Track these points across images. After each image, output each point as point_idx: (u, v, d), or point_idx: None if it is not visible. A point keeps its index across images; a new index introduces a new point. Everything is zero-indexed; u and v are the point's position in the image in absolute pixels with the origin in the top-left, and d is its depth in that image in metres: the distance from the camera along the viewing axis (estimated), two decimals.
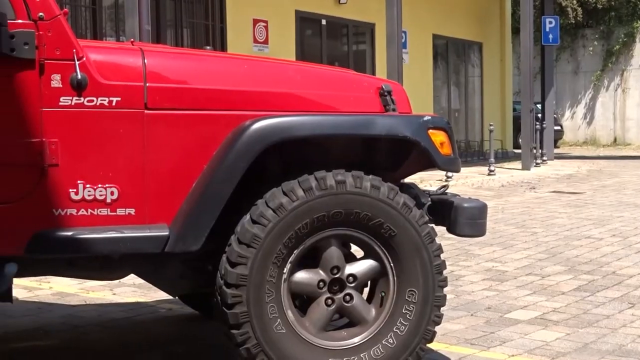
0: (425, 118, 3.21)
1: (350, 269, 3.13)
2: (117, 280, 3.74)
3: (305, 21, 13.86)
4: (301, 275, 3.07)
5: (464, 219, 3.25)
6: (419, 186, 3.49)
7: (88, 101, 2.85)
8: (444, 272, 3.21)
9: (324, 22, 14.19)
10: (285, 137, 2.99)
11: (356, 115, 3.19)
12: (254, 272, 2.92)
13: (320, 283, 3.08)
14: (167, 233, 2.92)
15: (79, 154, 2.87)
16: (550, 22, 17.82)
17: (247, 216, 2.95)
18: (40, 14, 2.80)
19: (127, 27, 6.63)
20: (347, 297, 3.11)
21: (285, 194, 2.96)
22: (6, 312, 4.49)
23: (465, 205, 3.27)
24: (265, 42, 12.62)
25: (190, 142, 3.00)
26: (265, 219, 2.92)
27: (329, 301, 3.09)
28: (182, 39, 11.25)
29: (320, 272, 3.09)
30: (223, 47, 11.69)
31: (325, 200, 2.99)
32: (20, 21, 2.77)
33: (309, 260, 3.09)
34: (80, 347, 3.87)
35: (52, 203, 2.83)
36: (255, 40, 12.45)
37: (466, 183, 12.46)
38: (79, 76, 2.82)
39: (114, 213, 2.92)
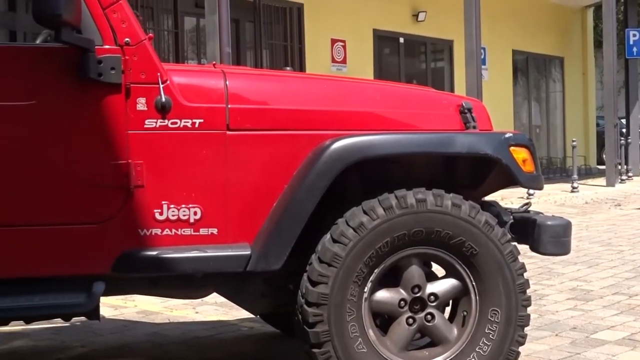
0: (507, 135, 3.17)
1: (432, 287, 3.10)
2: (200, 299, 3.79)
3: (383, 40, 13.88)
4: (382, 294, 3.06)
5: (548, 237, 3.19)
6: (500, 204, 3.45)
7: (172, 123, 2.92)
8: (527, 291, 3.15)
9: (401, 40, 14.19)
10: (365, 156, 2.99)
11: (436, 133, 3.17)
12: (335, 291, 2.93)
13: (402, 302, 3.06)
14: (249, 252, 2.95)
15: (163, 175, 2.93)
16: (634, 35, 17.40)
17: (328, 235, 2.96)
18: (127, 39, 2.88)
19: (209, 50, 6.76)
20: (429, 317, 3.09)
21: (365, 212, 2.96)
22: (94, 330, 4.60)
23: (549, 223, 3.21)
24: (344, 61, 12.68)
25: (271, 162, 3.03)
26: (346, 237, 2.93)
27: (410, 320, 3.07)
28: (261, 60, 11.40)
29: (402, 291, 3.07)
30: (301, 67, 11.80)
31: (406, 219, 2.98)
32: (107, 46, 2.85)
33: (390, 279, 3.08)
34: None
35: (137, 223, 2.90)
36: (334, 60, 12.52)
37: (549, 200, 12.23)
38: (163, 99, 2.89)
39: (197, 233, 2.96)
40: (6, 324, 3.10)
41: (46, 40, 3.39)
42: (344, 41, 12.71)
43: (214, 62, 3.87)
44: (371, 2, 13.01)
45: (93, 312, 2.96)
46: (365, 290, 3.00)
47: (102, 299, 2.96)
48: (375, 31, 13.42)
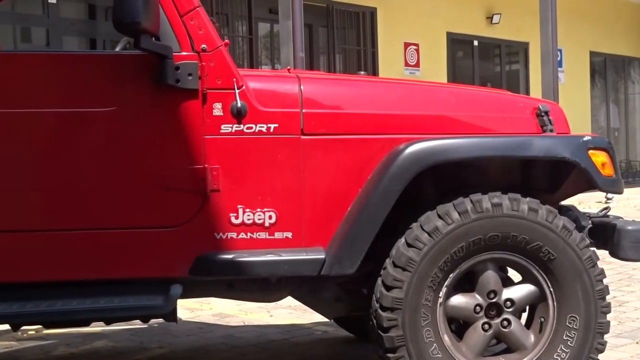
0: (585, 138, 3.11)
1: (508, 293, 3.06)
2: (274, 302, 3.81)
3: (456, 43, 13.76)
4: (457, 300, 3.03)
5: (628, 242, 3.12)
6: (578, 209, 3.38)
7: (247, 128, 2.95)
8: (607, 297, 3.08)
9: (475, 43, 14.04)
10: (440, 159, 2.97)
11: (513, 137, 3.13)
12: (410, 295, 2.91)
13: (477, 307, 3.03)
14: (323, 256, 2.96)
15: (239, 180, 2.96)
16: None
17: (402, 239, 2.94)
18: (203, 45, 2.92)
19: (282, 55, 6.80)
20: (505, 322, 3.04)
21: (440, 217, 2.93)
22: (171, 332, 4.67)
23: (629, 227, 3.13)
24: (417, 65, 12.62)
25: (345, 166, 3.03)
26: (421, 242, 2.91)
27: (486, 326, 3.03)
28: (334, 64, 11.42)
29: (477, 296, 3.04)
30: (374, 72, 11.77)
31: (482, 223, 2.94)
32: (184, 53, 2.90)
33: (465, 284, 3.05)
34: None
35: (214, 227, 2.93)
36: (407, 64, 12.47)
37: (628, 205, 11.92)
38: (239, 104, 2.92)
39: (272, 237, 2.98)
40: (87, 324, 3.17)
41: (125, 48, 3.46)
42: (417, 45, 12.64)
43: (289, 67, 3.90)
44: (445, 5, 12.92)
45: (170, 314, 3.01)
46: (440, 295, 2.97)
47: (179, 302, 3.00)
48: (448, 34, 13.32)
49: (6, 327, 3.40)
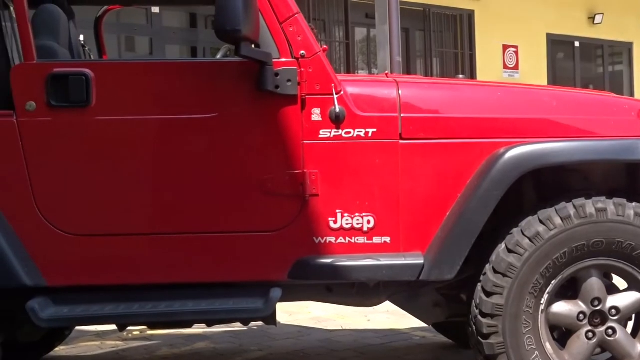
0: None
1: (613, 301, 2.97)
2: (372, 307, 3.81)
3: (556, 44, 13.47)
4: (560, 307, 2.96)
5: None
6: None
7: (346, 133, 2.96)
8: None
9: (577, 44, 13.71)
10: (542, 164, 2.92)
11: (617, 140, 3.04)
12: (510, 302, 2.86)
13: (581, 315, 2.95)
14: (422, 261, 2.94)
15: (337, 184, 2.97)
16: None
17: (503, 245, 2.90)
18: (302, 52, 2.95)
19: (379, 60, 6.79)
20: (610, 331, 2.96)
21: (542, 222, 2.88)
22: (270, 335, 4.72)
23: None
24: (516, 67, 12.41)
25: (444, 171, 3.00)
26: (522, 248, 2.86)
27: (590, 334, 2.96)
28: (431, 68, 11.35)
29: (580, 303, 2.96)
30: (472, 75, 11.64)
31: (585, 229, 2.87)
32: (284, 60, 2.93)
33: (568, 291, 2.98)
34: None
35: (312, 231, 2.95)
36: (505, 66, 12.28)
37: None
38: (338, 109, 2.94)
39: (370, 241, 2.98)
40: (189, 326, 3.24)
41: (226, 55, 3.52)
42: (516, 47, 12.43)
43: (387, 72, 3.89)
44: (545, 6, 12.66)
45: (270, 318, 3.04)
46: (542, 302, 2.92)
47: (278, 305, 3.02)
48: (549, 35, 13.04)
49: (113, 327, 3.51)
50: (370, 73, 10.57)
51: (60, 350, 4.45)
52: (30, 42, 2.91)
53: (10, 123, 2.89)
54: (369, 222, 2.97)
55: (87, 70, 2.91)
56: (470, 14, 11.68)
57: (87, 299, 2.94)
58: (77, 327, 4.52)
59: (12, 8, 3.09)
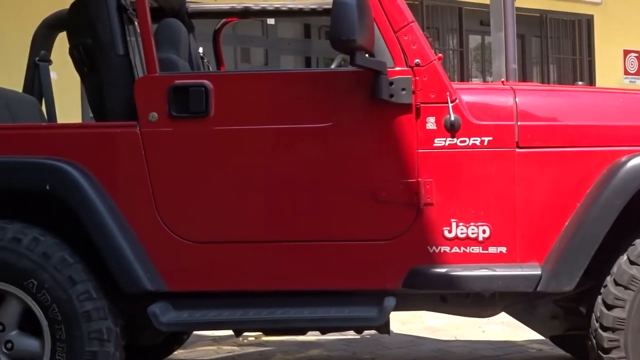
0: None
1: None
2: (487, 318, 3.76)
3: None
4: None
5: None
6: None
7: (461, 142, 2.93)
8: None
9: None
10: None
11: None
12: (633, 315, 2.77)
13: None
14: (539, 272, 2.88)
15: (452, 193, 2.94)
16: None
17: (625, 256, 2.81)
18: (417, 60, 2.94)
19: (494, 67, 6.69)
20: None
21: None
22: (382, 343, 4.71)
23: None
24: (637, 73, 11.98)
25: (563, 180, 2.94)
26: None
27: None
28: (548, 75, 11.11)
29: None
30: (591, 81, 11.33)
31: None
32: (398, 68, 2.93)
33: None
34: None
35: (427, 240, 2.93)
36: (626, 72, 11.88)
37: None
38: (453, 118, 2.92)
39: (486, 251, 2.94)
40: (303, 333, 3.27)
41: (340, 65, 3.55)
42: (638, 52, 12.01)
43: (502, 80, 3.84)
44: None
45: (384, 326, 3.05)
46: None
47: (391, 314, 3.02)
48: None
49: (229, 332, 3.58)
50: (484, 81, 10.43)
51: (178, 353, 4.57)
52: (153, 55, 3.02)
53: (134, 134, 3.00)
54: (484, 231, 2.93)
55: (206, 82, 2.99)
56: (589, 19, 11.37)
57: (205, 305, 3.00)
58: (195, 332, 4.63)
59: (136, 23, 3.20)
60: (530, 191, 2.94)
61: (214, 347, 4.74)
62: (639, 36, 11.97)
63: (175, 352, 4.53)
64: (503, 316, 3.49)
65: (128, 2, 3.16)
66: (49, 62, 4.14)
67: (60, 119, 4.11)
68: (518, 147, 2.94)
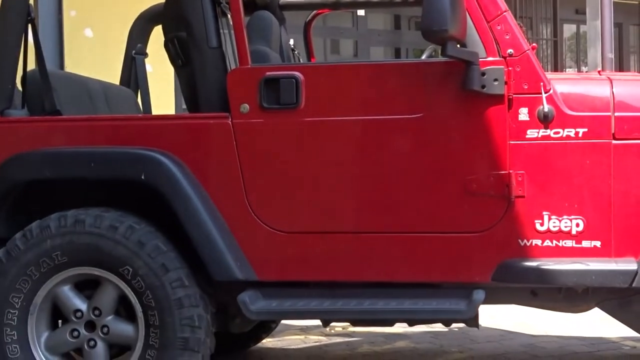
0: None
1: None
2: (580, 313, 3.69)
3: None
4: None
5: None
6: None
7: (554, 133, 2.88)
8: None
9: None
10: None
11: None
12: None
13: None
14: (635, 267, 2.81)
15: (544, 186, 2.90)
16: None
17: None
18: (510, 50, 2.90)
19: (590, 57, 6.53)
20: None
21: None
22: (471, 337, 4.67)
23: None
24: None
25: None
26: None
27: None
28: None
29: None
30: None
31: None
32: (490, 59, 2.90)
33: None
34: None
35: (517, 233, 2.90)
36: None
37: None
38: (546, 109, 2.87)
39: (579, 245, 2.89)
40: (391, 325, 3.27)
41: (431, 56, 3.53)
42: None
43: (599, 69, 3.75)
44: None
45: (472, 320, 3.02)
46: None
47: (480, 307, 3.00)
48: None
49: (317, 322, 3.61)
50: (579, 71, 10.19)
51: (266, 342, 4.63)
52: (245, 47, 3.06)
53: (226, 125, 3.05)
54: (577, 225, 2.88)
55: (297, 73, 3.02)
56: None
57: (294, 294, 3.03)
58: (283, 321, 4.68)
59: (229, 15, 3.25)
60: (627, 184, 2.88)
61: (302, 337, 4.79)
62: None
63: (264, 341, 4.59)
64: (597, 311, 3.42)
65: None
66: (145, 55, 4.25)
67: (155, 111, 4.20)
68: (614, 138, 2.87)
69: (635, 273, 2.81)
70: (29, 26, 3.38)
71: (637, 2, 10.52)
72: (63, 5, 4.70)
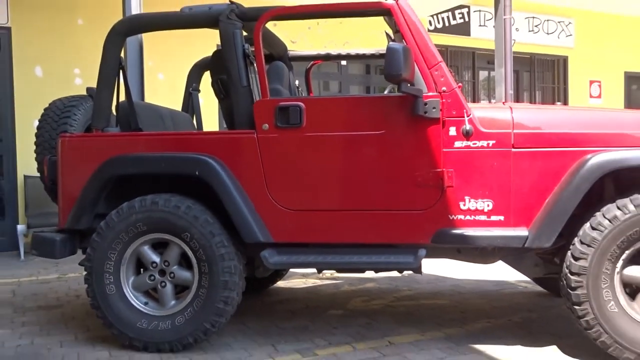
0: None
1: None
2: (490, 264, 3.70)
3: (632, 79, 12.33)
4: (631, 270, 2.73)
5: None
6: None
7: (473, 144, 2.88)
8: None
9: None
10: (619, 166, 2.71)
11: None
12: (593, 265, 2.69)
13: None
14: (526, 234, 2.82)
15: (466, 179, 2.90)
16: None
17: (588, 224, 2.72)
18: (444, 88, 2.90)
19: (497, 93, 6.53)
20: None
21: (619, 208, 2.67)
22: (416, 280, 4.69)
23: None
24: (599, 96, 11.51)
25: (545, 171, 2.85)
26: (603, 226, 2.67)
27: None
28: (535, 98, 10.77)
29: None
30: (566, 102, 10.93)
31: None
32: (430, 94, 2.89)
33: (638, 259, 2.75)
34: (462, 306, 3.89)
35: (449, 210, 2.90)
36: (591, 96, 11.42)
37: None
38: (468, 127, 2.86)
39: (489, 219, 2.89)
40: (363, 272, 3.27)
41: (391, 92, 3.52)
42: (599, 81, 11.53)
43: (503, 101, 3.74)
44: (623, 50, 11.65)
45: (417, 269, 3.02)
46: (617, 266, 2.71)
47: (422, 260, 2.99)
48: (626, 73, 11.99)
49: (313, 270, 3.61)
50: (490, 102, 10.18)
51: (279, 284, 4.64)
52: (265, 86, 3.05)
53: (252, 138, 3.04)
54: (488, 205, 2.88)
55: (300, 103, 3.01)
56: (565, 59, 10.95)
57: (299, 252, 3.03)
58: (291, 270, 4.70)
59: (254, 65, 3.24)
60: (521, 178, 2.87)
61: (303, 280, 4.80)
62: (601, 70, 11.49)
63: (278, 283, 4.61)
64: (500, 264, 3.43)
65: (249, 51, 3.20)
66: (199, 91, 4.24)
67: (205, 129, 4.20)
68: (513, 147, 2.87)
69: (526, 237, 2.81)
70: (121, 71, 3.37)
71: (528, 56, 10.50)
72: (144, 57, 4.68)
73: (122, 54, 3.60)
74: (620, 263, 2.71)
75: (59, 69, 6.76)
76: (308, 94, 4.22)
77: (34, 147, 3.67)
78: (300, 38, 7.83)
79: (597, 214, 2.72)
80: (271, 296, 4.26)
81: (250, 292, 4.23)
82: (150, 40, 5.08)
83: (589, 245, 2.69)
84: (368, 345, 3.13)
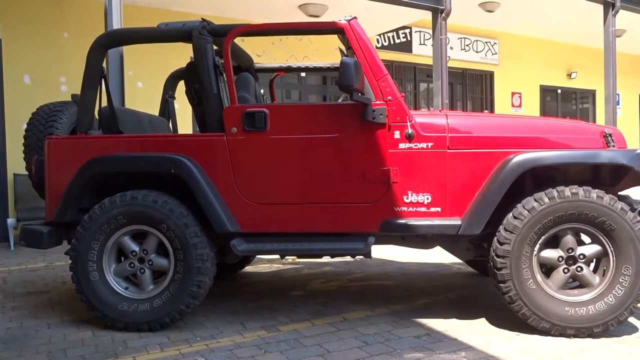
0: (637, 151, 2.78)
1: (581, 250, 2.81)
2: (430, 249, 3.74)
3: (546, 91, 12.74)
4: (547, 252, 2.82)
5: None
6: (631, 197, 3.03)
7: (414, 146, 2.91)
8: None
9: (559, 91, 12.92)
10: (537, 165, 2.78)
11: (587, 150, 2.86)
12: (515, 249, 2.75)
13: (559, 258, 2.80)
14: (459, 223, 2.86)
15: (409, 176, 2.92)
16: None
17: (511, 214, 2.78)
18: (389, 97, 2.91)
19: (434, 102, 6.65)
20: (579, 268, 2.80)
21: (536, 200, 2.75)
22: (367, 264, 4.72)
23: None
24: (520, 106, 11.84)
25: (475, 169, 2.90)
26: (523, 216, 2.74)
27: (566, 270, 2.80)
28: (467, 107, 10.99)
29: (560, 251, 2.81)
30: (492, 110, 11.20)
31: (564, 205, 2.72)
32: (378, 102, 2.91)
33: (552, 243, 2.84)
34: (406, 286, 3.93)
35: (393, 203, 2.92)
36: (513, 105, 11.73)
37: None
38: (410, 131, 2.89)
39: (429, 210, 2.92)
40: (320, 257, 3.27)
41: (344, 100, 3.52)
42: (520, 93, 11.86)
43: (440, 109, 3.80)
44: (539, 67, 12.02)
45: (368, 254, 3.03)
46: (535, 249, 2.78)
47: (373, 247, 3.01)
48: (541, 86, 12.37)
49: (277, 256, 3.58)
50: (429, 109, 10.33)
51: (247, 269, 4.60)
52: (234, 94, 3.01)
53: (222, 140, 3.00)
54: (427, 198, 2.92)
55: (265, 110, 2.98)
56: (492, 74, 11.21)
57: (264, 240, 3.00)
58: (257, 256, 4.66)
59: (224, 75, 3.19)
60: (455, 175, 2.92)
61: (268, 265, 4.77)
62: (521, 84, 11.82)
63: (246, 268, 4.56)
64: (438, 249, 3.48)
65: (220, 63, 3.15)
66: (174, 98, 4.15)
67: (180, 132, 4.11)
68: (449, 149, 2.91)
69: (460, 226, 2.85)
70: (103, 79, 3.27)
71: (461, 71, 10.71)
72: (124, 67, 4.56)
73: (104, 64, 3.49)
74: (537, 247, 2.79)
75: (46, 77, 6.54)
76: (272, 102, 4.19)
77: (23, 148, 3.54)
78: (265, 52, 7.77)
79: (518, 205, 2.78)
80: (240, 280, 4.22)
81: (221, 277, 4.17)
82: (130, 51, 4.95)
83: (511, 232, 2.75)
84: (325, 321, 3.13)
